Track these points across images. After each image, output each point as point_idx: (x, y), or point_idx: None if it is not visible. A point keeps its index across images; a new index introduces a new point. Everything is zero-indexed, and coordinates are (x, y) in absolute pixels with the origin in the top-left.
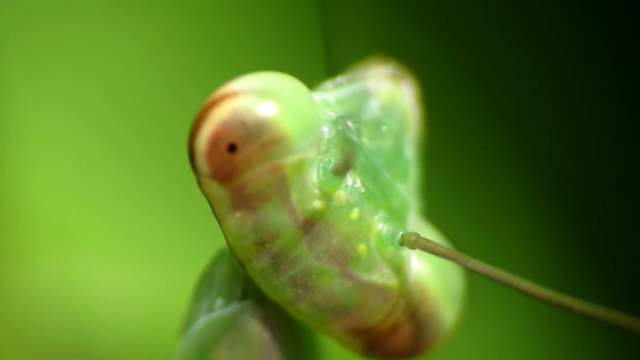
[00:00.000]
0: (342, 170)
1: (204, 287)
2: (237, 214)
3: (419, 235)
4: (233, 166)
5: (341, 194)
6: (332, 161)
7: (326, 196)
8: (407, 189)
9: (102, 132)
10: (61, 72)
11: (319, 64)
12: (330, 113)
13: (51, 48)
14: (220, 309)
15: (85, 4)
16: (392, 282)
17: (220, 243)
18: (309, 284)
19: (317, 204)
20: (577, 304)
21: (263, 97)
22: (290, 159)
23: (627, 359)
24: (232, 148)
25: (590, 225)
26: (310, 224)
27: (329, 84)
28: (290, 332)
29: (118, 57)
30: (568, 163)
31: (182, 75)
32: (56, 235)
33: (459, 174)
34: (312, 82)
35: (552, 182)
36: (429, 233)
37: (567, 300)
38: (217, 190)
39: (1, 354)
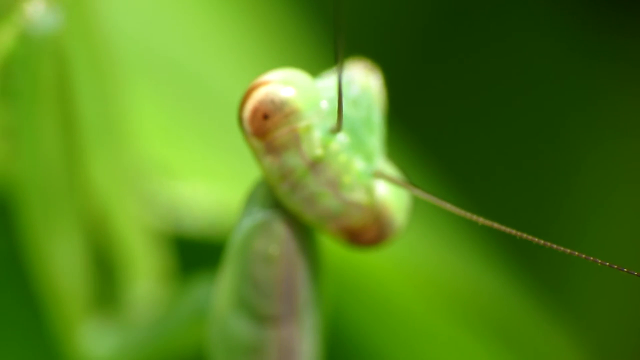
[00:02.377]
0: (335, 130)
1: (249, 200)
2: (269, 158)
3: (382, 171)
4: (266, 128)
5: (334, 145)
6: (329, 124)
7: (325, 147)
8: (376, 141)
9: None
10: None
11: (325, 62)
12: (328, 94)
13: None
14: (260, 214)
15: None
16: (366, 200)
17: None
18: (313, 201)
19: (319, 151)
20: (481, 219)
21: (285, 84)
22: (302, 124)
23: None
24: (265, 117)
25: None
26: (315, 164)
27: (328, 74)
28: (301, 229)
29: None
30: None
31: None
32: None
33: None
34: (318, 73)
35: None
36: (389, 169)
37: (469, 214)
38: (257, 143)
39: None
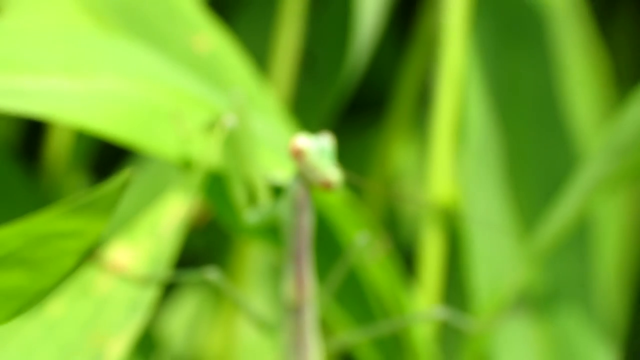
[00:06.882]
0: (316, 158)
1: (292, 176)
2: (297, 164)
3: (333, 168)
4: (297, 156)
5: (316, 162)
6: (316, 155)
7: (313, 162)
8: (332, 161)
9: None
10: None
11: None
12: (316, 145)
13: None
14: (295, 182)
15: None
16: (323, 175)
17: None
18: (310, 175)
19: (311, 163)
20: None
21: (303, 141)
22: (307, 155)
23: None
24: (296, 153)
25: None
26: (310, 164)
27: (316, 137)
28: (307, 187)
29: None
30: None
31: None
32: None
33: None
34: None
35: None
36: (336, 167)
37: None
38: (293, 159)
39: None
